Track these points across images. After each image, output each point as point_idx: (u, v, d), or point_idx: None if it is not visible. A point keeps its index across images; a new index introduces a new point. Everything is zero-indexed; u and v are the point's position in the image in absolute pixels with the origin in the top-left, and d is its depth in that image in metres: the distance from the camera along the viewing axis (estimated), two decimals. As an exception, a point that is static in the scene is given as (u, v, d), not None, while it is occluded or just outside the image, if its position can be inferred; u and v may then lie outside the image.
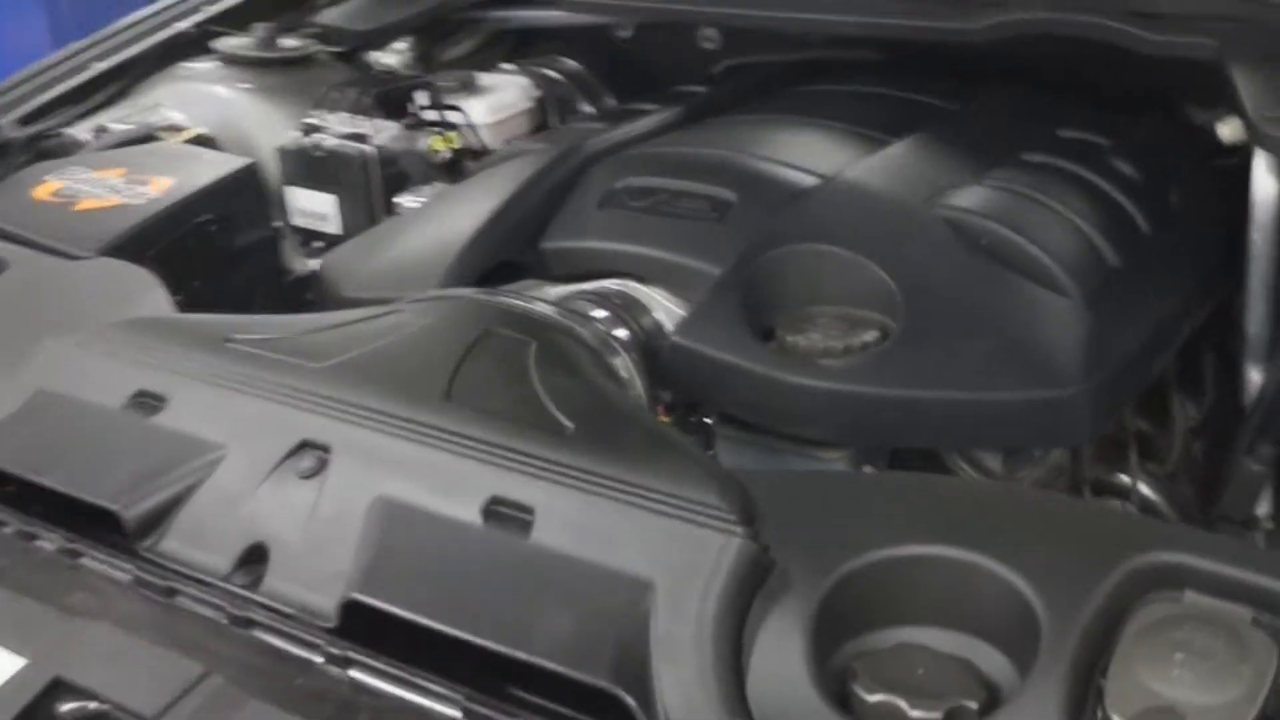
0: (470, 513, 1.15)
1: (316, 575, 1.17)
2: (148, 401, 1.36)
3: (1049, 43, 1.90)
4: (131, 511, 1.24)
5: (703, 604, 1.04)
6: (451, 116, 2.21)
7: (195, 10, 2.49)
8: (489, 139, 2.24)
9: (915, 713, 0.98)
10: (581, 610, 1.06)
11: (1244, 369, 1.67)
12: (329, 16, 2.56)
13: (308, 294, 2.01)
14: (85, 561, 1.24)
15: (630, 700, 0.99)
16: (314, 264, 2.16)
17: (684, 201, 1.70)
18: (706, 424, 1.57)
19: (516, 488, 1.15)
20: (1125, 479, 1.68)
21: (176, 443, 1.31)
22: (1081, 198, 1.65)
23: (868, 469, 1.47)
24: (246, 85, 2.32)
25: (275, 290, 2.06)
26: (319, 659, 1.11)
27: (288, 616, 1.15)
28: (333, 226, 2.10)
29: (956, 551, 1.05)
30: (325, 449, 1.24)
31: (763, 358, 1.46)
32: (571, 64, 2.56)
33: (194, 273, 1.84)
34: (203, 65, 2.38)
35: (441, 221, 1.81)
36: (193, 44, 2.45)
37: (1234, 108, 1.64)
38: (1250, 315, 1.66)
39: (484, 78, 2.38)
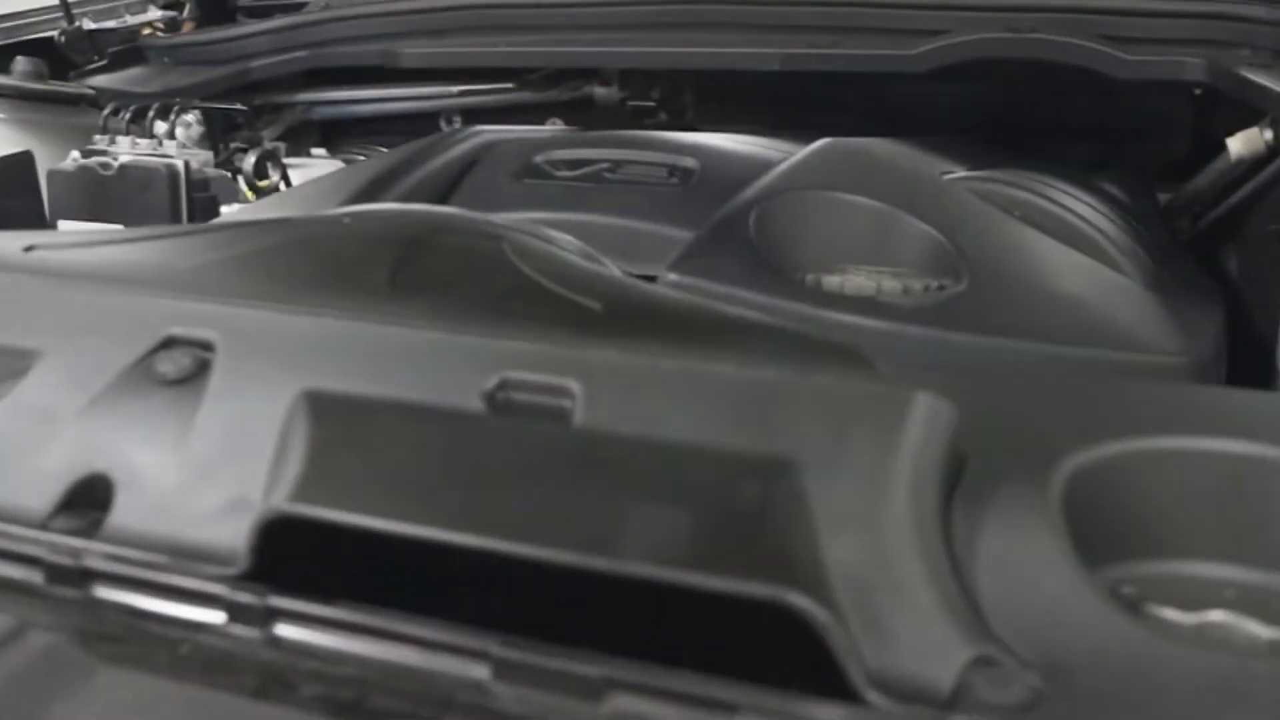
0: (468, 401, 0.73)
1: (199, 507, 0.72)
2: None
3: (991, 87, 1.67)
4: None
5: (897, 486, 0.64)
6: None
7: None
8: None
9: (1269, 632, 0.61)
10: (692, 502, 0.65)
11: None
12: (103, 80, 2.17)
13: None
14: None
15: (821, 612, 0.58)
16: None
17: (632, 169, 1.36)
18: None
19: (538, 366, 0.74)
20: None
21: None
22: (1090, 197, 1.39)
23: None
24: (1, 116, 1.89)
25: None
26: (218, 617, 0.66)
27: (152, 566, 0.69)
28: (117, 267, 1.64)
29: (1245, 445, 0.69)
30: (205, 345, 0.80)
31: (801, 294, 1.10)
32: None
33: None
34: (-52, 95, 1.93)
35: (311, 194, 1.39)
36: None
37: (1267, 105, 1.42)
38: None
39: (292, 159, 2.02)
